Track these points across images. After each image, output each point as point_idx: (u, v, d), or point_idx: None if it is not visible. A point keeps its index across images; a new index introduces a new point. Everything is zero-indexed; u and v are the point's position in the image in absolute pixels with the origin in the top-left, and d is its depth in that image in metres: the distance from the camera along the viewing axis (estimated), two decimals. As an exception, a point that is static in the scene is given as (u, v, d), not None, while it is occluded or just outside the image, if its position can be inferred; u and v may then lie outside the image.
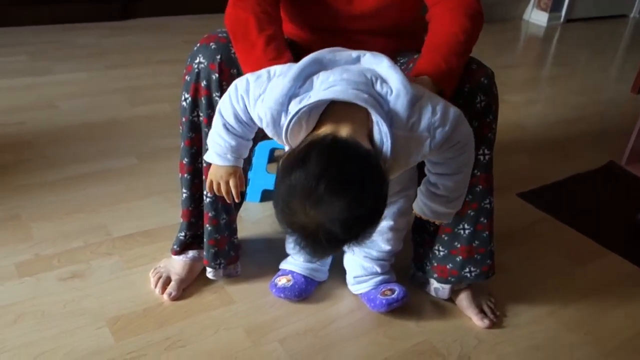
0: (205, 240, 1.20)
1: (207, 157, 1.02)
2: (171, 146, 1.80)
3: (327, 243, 0.79)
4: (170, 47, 2.70)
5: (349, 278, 1.27)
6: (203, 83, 1.08)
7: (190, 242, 1.25)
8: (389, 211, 1.18)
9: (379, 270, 1.24)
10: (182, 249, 1.25)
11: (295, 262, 1.27)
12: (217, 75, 1.07)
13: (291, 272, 1.26)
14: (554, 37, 3.75)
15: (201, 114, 1.11)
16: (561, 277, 1.42)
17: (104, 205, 1.51)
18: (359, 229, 0.80)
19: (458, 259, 1.21)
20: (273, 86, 0.88)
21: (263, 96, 0.89)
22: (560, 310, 1.30)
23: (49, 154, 1.71)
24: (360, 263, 1.24)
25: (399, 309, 1.22)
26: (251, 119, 0.94)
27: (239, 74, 1.09)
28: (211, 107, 1.09)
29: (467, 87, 1.07)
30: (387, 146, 0.84)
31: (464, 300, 1.25)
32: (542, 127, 2.29)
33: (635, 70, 2.79)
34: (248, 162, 1.21)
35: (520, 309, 1.29)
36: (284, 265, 1.29)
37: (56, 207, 1.48)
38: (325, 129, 0.84)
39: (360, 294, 1.25)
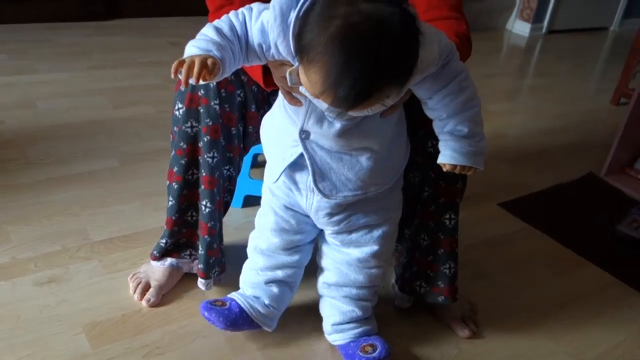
0: (202, 252, 1.18)
1: (186, 53, 0.84)
2: (154, 149, 1.78)
3: (388, 41, 0.71)
4: (155, 48, 2.68)
5: (326, 326, 1.16)
6: (200, 92, 1.07)
7: (170, 249, 1.23)
8: (374, 235, 1.08)
9: (360, 314, 1.13)
10: (161, 255, 1.23)
11: (241, 293, 1.15)
12: (214, 83, 1.06)
13: (231, 300, 1.13)
14: (535, 47, 3.80)
15: (196, 124, 1.09)
16: (541, 287, 1.44)
17: (84, 208, 1.48)
18: (415, 35, 0.75)
19: (414, 269, 1.21)
20: None
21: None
22: (540, 320, 1.31)
23: (29, 155, 1.68)
24: (339, 307, 1.13)
25: (379, 318, 1.22)
26: (245, 34, 0.87)
27: (237, 79, 1.09)
28: (210, 115, 1.08)
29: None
30: None
31: (444, 309, 1.26)
32: (524, 136, 2.31)
33: (615, 82, 2.84)
34: (237, 169, 1.20)
35: (501, 318, 1.30)
36: (231, 294, 1.16)
37: (35, 210, 1.45)
38: None
39: (339, 345, 1.14)
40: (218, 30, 0.86)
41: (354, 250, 1.09)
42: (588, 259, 1.56)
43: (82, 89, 2.17)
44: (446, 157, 0.95)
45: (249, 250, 1.17)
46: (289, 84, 0.85)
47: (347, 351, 1.11)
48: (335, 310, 1.14)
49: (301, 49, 0.77)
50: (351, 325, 1.13)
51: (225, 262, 1.26)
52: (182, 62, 0.79)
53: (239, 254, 1.38)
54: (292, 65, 0.85)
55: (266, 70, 1.00)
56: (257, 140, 1.22)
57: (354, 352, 1.10)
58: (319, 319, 1.20)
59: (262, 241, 1.13)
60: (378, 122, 0.94)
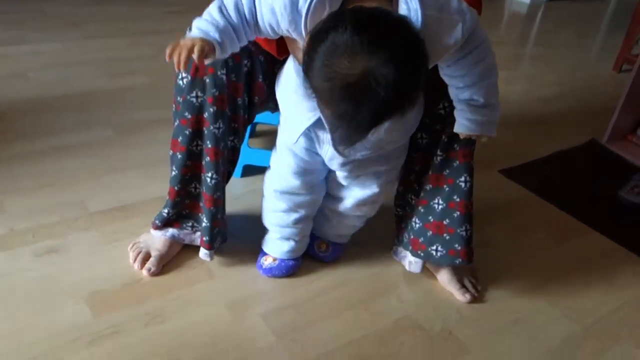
0: (207, 223, 1.17)
1: (188, 35, 0.90)
2: (149, 118, 1.75)
3: (379, 91, 0.74)
4: (150, 17, 2.63)
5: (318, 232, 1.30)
6: (207, 61, 1.05)
7: (172, 219, 1.22)
8: (379, 180, 1.16)
9: (346, 234, 1.29)
10: (163, 225, 1.22)
11: (276, 247, 1.24)
12: None
13: (268, 254, 1.26)
14: (537, 15, 3.75)
15: (202, 94, 1.07)
16: (543, 253, 1.43)
17: (80, 180, 1.47)
18: (412, 75, 0.77)
19: (429, 234, 1.20)
20: None
21: None
22: (541, 286, 1.31)
23: (21, 127, 1.66)
24: (329, 224, 1.26)
25: (381, 284, 1.22)
26: (252, 14, 0.89)
27: (244, 49, 1.05)
28: (217, 85, 1.05)
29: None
30: (417, 23, 0.81)
31: (445, 275, 1.25)
32: (525, 104, 2.29)
33: (617, 50, 2.80)
34: (241, 139, 1.18)
35: (502, 284, 1.30)
36: (264, 247, 1.27)
37: (30, 181, 1.43)
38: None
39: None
40: (221, 11, 0.89)
41: (356, 190, 1.18)
42: (590, 226, 1.55)
43: (75, 59, 2.13)
44: (462, 126, 1.01)
45: (267, 194, 1.21)
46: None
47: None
48: (323, 225, 1.27)
49: (310, 87, 0.81)
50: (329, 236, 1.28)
51: (226, 232, 1.25)
52: (175, 46, 0.85)
53: (240, 223, 1.38)
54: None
55: (279, 43, 1.00)
56: (261, 110, 1.20)
57: (311, 245, 1.28)
58: (317, 285, 1.20)
59: (281, 184, 1.17)
60: None
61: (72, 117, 1.74)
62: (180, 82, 1.08)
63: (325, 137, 1.06)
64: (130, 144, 1.64)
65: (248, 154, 1.53)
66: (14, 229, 1.27)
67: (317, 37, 0.78)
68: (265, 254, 1.26)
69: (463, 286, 1.24)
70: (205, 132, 1.10)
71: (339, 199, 1.22)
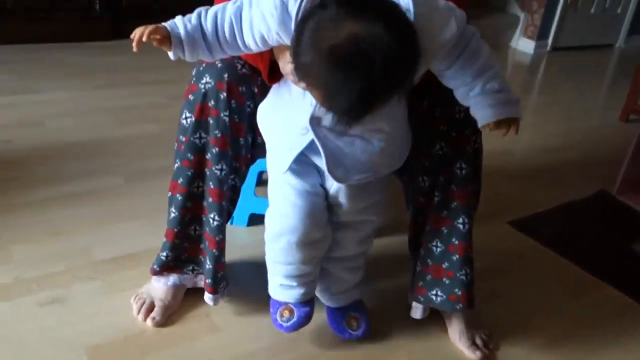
0: (210, 266, 1.16)
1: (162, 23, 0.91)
2: (158, 167, 1.76)
3: (369, 52, 0.70)
4: (158, 67, 2.68)
5: (323, 294, 1.20)
6: (211, 103, 1.06)
7: (172, 265, 1.21)
8: (377, 209, 1.11)
9: (357, 280, 1.19)
10: (161, 269, 1.20)
11: (287, 292, 1.14)
12: (225, 94, 1.05)
13: (286, 303, 1.14)
14: (540, 65, 3.80)
15: (205, 135, 1.08)
16: (555, 308, 1.40)
17: (88, 227, 1.47)
18: (404, 38, 0.73)
19: (428, 278, 1.18)
20: None
21: None
22: (555, 344, 1.27)
23: (34, 174, 1.67)
24: (337, 278, 1.17)
25: (391, 340, 1.20)
26: (232, 28, 0.88)
27: (248, 90, 1.07)
28: (219, 127, 1.06)
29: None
30: (410, 13, 0.79)
31: (456, 331, 1.22)
32: (531, 154, 2.29)
33: (622, 99, 2.82)
34: (242, 179, 1.16)
35: (513, 342, 1.26)
36: (275, 295, 1.15)
37: (39, 228, 1.43)
38: None
39: (329, 307, 1.20)
40: (199, 17, 0.90)
41: (357, 225, 1.11)
42: (603, 280, 1.52)
43: (88, 107, 2.17)
44: (487, 116, 0.92)
45: (276, 241, 1.08)
46: (295, 81, 0.86)
47: (334, 317, 1.18)
48: (331, 280, 1.17)
49: (298, 68, 0.78)
50: (347, 292, 1.19)
51: (228, 276, 1.23)
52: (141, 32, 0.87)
53: (245, 271, 1.36)
54: None
55: (270, 67, 0.99)
56: (264, 151, 1.19)
57: (340, 322, 1.18)
58: (323, 341, 1.18)
59: (293, 232, 1.05)
60: (390, 105, 0.91)
61: (84, 164, 1.75)
62: (184, 121, 1.09)
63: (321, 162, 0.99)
64: (139, 192, 1.64)
65: (254, 202, 1.53)
66: (19, 277, 1.27)
67: (303, 19, 0.77)
68: (278, 303, 1.15)
69: (474, 343, 1.21)
70: (208, 173, 1.10)
71: (340, 244, 1.14)
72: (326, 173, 1.00)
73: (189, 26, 0.89)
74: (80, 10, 2.84)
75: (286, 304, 1.13)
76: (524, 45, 4.02)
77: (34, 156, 1.76)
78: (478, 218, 1.16)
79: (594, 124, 2.78)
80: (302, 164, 1.02)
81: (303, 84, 0.89)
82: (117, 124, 2.06)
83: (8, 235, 1.39)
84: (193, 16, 0.90)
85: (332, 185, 1.04)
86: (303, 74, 0.78)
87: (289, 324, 1.12)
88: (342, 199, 1.06)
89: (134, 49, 0.87)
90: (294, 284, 1.11)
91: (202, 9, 0.91)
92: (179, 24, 0.89)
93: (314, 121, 0.93)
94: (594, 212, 1.89)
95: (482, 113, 0.92)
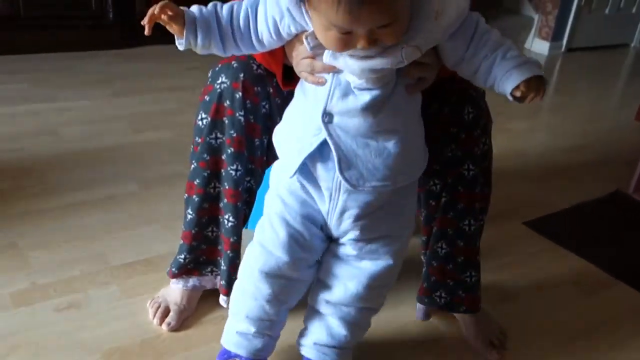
0: (224, 267, 1.16)
1: None
2: (173, 173, 1.78)
3: None
4: (173, 74, 2.71)
5: (306, 340, 1.06)
6: (226, 103, 1.06)
7: (190, 267, 1.21)
8: (392, 248, 1.01)
9: (350, 339, 1.04)
10: (180, 272, 1.21)
11: (246, 344, 1.04)
12: (240, 93, 1.05)
13: (237, 356, 1.05)
14: (555, 66, 3.77)
15: (221, 135, 1.08)
16: (571, 308, 1.38)
17: (103, 233, 1.48)
18: None
19: (432, 279, 1.18)
20: None
21: None
22: (571, 344, 1.26)
23: (49, 181, 1.69)
24: (331, 328, 1.03)
25: (405, 335, 1.19)
26: (247, 19, 0.88)
27: (263, 91, 1.07)
28: (235, 127, 1.06)
29: (454, 99, 1.06)
30: None
31: (471, 330, 1.22)
32: (546, 154, 2.27)
33: (638, 99, 2.78)
34: (258, 181, 1.14)
35: (530, 341, 1.25)
36: (227, 344, 1.06)
37: (55, 235, 1.45)
38: None
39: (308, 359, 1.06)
40: (215, 6, 0.89)
41: (367, 264, 1.00)
42: (619, 278, 1.50)
43: (103, 115, 2.19)
44: (515, 77, 0.84)
45: (246, 274, 1.03)
46: (308, 50, 0.85)
47: None
48: (325, 329, 1.03)
49: None
50: (335, 350, 1.03)
51: None
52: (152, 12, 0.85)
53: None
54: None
55: (285, 73, 0.99)
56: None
57: None
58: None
59: (266, 262, 0.99)
60: (405, 100, 0.90)
61: (99, 171, 1.77)
62: (200, 122, 1.09)
63: (334, 177, 0.92)
64: (153, 198, 1.66)
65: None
66: (37, 283, 1.28)
67: None
68: (227, 353, 1.05)
69: (490, 343, 1.20)
70: (223, 173, 1.10)
71: (342, 285, 1.02)
72: (326, 192, 0.94)
73: (204, 10, 0.88)
74: (93, 18, 2.87)
75: (237, 356, 1.05)
76: (538, 46, 3.99)
77: (48, 164, 1.79)
78: (493, 218, 1.16)
79: (610, 124, 2.75)
80: (302, 190, 0.97)
81: (314, 78, 0.89)
82: (132, 131, 2.09)
83: (25, 242, 1.41)
84: (209, 5, 0.89)
85: (337, 207, 0.95)
86: None
87: None
88: (347, 222, 0.97)
89: (146, 32, 0.85)
90: (252, 330, 1.03)
91: (217, 2, 0.90)
92: (193, 7, 0.88)
93: (327, 117, 0.89)
94: (609, 211, 1.87)
95: (509, 78, 0.85)
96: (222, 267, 1.17)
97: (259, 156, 1.11)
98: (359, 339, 1.08)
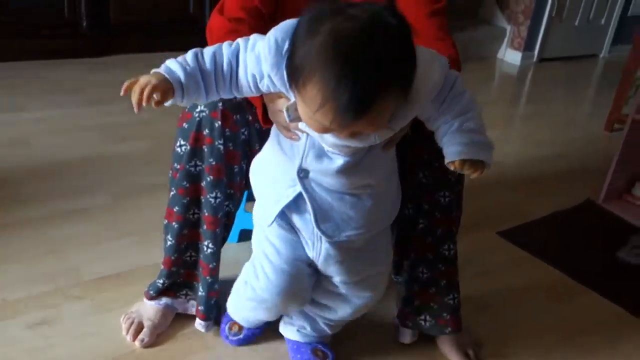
0: (203, 293, 1.16)
1: (156, 69, 0.85)
2: (147, 184, 1.76)
3: (380, 33, 0.71)
4: (148, 83, 2.69)
5: (287, 325, 1.19)
6: (205, 131, 1.05)
7: (166, 288, 1.20)
8: (376, 283, 1.09)
9: (329, 333, 1.17)
10: (157, 295, 1.20)
11: (246, 316, 1.17)
12: (219, 122, 1.04)
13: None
14: (527, 75, 3.84)
15: (200, 163, 1.08)
16: (544, 317, 1.41)
17: (76, 246, 1.46)
18: (405, 27, 0.74)
19: (416, 303, 1.19)
20: (282, 22, 0.82)
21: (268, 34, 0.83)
22: (546, 353, 1.28)
23: (21, 193, 1.66)
24: (314, 323, 1.15)
25: (382, 352, 1.19)
26: (231, 66, 0.86)
27: (242, 118, 1.07)
28: (214, 155, 1.06)
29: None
30: None
31: (446, 344, 1.22)
32: (519, 164, 2.31)
33: (607, 109, 2.85)
34: (237, 205, 1.16)
35: (504, 352, 1.27)
36: (235, 314, 1.19)
37: (26, 248, 1.42)
38: None
39: (288, 339, 1.19)
40: (196, 57, 0.86)
41: (355, 299, 1.08)
42: (590, 287, 1.53)
43: (75, 125, 2.16)
44: (453, 153, 0.88)
45: (242, 301, 1.12)
46: (287, 120, 0.84)
47: (298, 349, 1.16)
48: (308, 322, 1.15)
49: (294, 70, 0.76)
50: (315, 337, 1.17)
51: (222, 302, 1.23)
52: (132, 83, 0.81)
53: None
54: (288, 98, 0.84)
55: (265, 108, 0.98)
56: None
57: (306, 352, 1.15)
58: (318, 356, 1.17)
59: (260, 303, 1.07)
60: (378, 158, 0.93)
61: (72, 183, 1.74)
62: (179, 149, 1.09)
63: (312, 229, 0.97)
64: (128, 210, 1.64)
65: (245, 218, 1.53)
66: (7, 299, 1.25)
67: (298, 22, 0.78)
68: (230, 319, 1.20)
69: (466, 355, 1.21)
70: (203, 201, 1.10)
71: (329, 308, 1.12)
72: (309, 240, 0.99)
73: (188, 68, 0.84)
74: (68, 26, 2.83)
75: (315, 346, 1.16)
76: (510, 56, 4.06)
77: (20, 176, 1.75)
78: (467, 228, 1.17)
79: (580, 133, 2.80)
80: (287, 230, 1.00)
81: (289, 133, 0.90)
82: (105, 141, 2.06)
83: (-5, 256, 1.38)
84: (189, 57, 0.86)
85: (321, 254, 1.00)
86: (299, 73, 0.75)
87: (235, 338, 1.19)
88: (333, 269, 1.03)
89: (135, 111, 0.81)
90: (255, 312, 1.13)
91: (197, 50, 0.87)
92: (175, 67, 0.84)
93: (302, 173, 0.92)
94: (580, 221, 1.91)
95: (450, 149, 0.89)
96: (199, 293, 1.17)
97: (238, 182, 1.12)
98: (339, 327, 1.19)
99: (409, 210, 1.12)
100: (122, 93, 0.82)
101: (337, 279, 1.05)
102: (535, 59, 4.09)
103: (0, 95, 2.34)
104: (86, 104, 2.36)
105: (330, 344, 1.19)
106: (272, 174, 0.98)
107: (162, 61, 0.85)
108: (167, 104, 0.85)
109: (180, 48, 3.63)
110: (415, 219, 1.13)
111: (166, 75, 0.83)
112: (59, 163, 1.86)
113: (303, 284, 1.04)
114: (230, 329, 1.19)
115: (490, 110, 3.00)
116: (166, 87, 0.82)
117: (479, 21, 4.16)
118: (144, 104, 0.80)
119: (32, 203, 1.62)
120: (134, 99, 0.80)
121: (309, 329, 1.16)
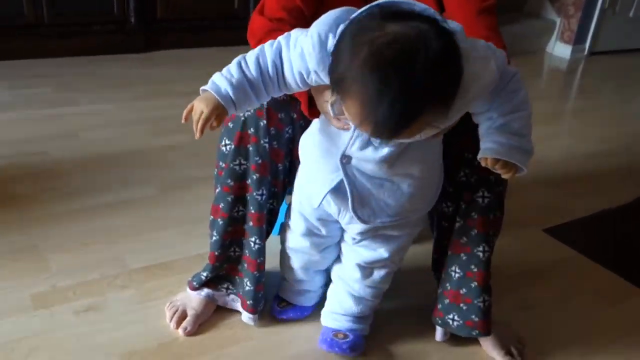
0: (251, 287, 1.17)
1: (208, 84, 0.90)
2: (192, 177, 1.79)
3: (418, 56, 0.70)
4: (193, 78, 2.70)
5: (325, 309, 1.22)
6: (250, 130, 1.06)
7: (208, 281, 1.22)
8: (390, 244, 1.10)
9: (355, 310, 1.16)
10: (200, 286, 1.22)
11: (293, 296, 1.26)
12: (265, 121, 1.05)
13: (338, 330, 1.19)
14: (577, 69, 3.72)
15: (245, 162, 1.09)
16: (592, 318, 1.36)
17: (122, 237, 1.49)
18: (450, 48, 0.73)
19: (446, 302, 1.17)
20: (324, 15, 0.83)
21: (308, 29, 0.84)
22: (592, 355, 1.24)
23: (70, 184, 1.72)
24: (340, 298, 1.18)
25: (422, 351, 1.18)
26: (276, 67, 0.88)
27: (287, 117, 1.08)
28: (259, 153, 1.07)
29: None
30: None
31: (489, 341, 1.20)
32: (567, 160, 2.23)
33: (663, 104, 2.73)
34: (280, 202, 1.18)
35: (550, 352, 1.23)
36: (283, 294, 1.27)
37: (75, 238, 1.47)
38: None
39: (324, 326, 1.21)
40: (240, 67, 0.89)
41: (363, 251, 1.11)
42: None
43: (123, 119, 2.21)
44: (488, 150, 0.88)
45: (282, 248, 1.22)
46: (332, 115, 0.86)
47: (323, 333, 1.18)
48: (335, 299, 1.19)
49: (335, 81, 0.78)
50: (345, 317, 1.17)
51: (266, 295, 1.25)
52: (189, 111, 0.89)
53: (277, 279, 1.36)
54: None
55: (311, 100, 0.99)
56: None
57: (327, 334, 1.17)
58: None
59: (292, 242, 1.17)
60: (423, 148, 0.92)
61: (118, 175, 1.79)
62: (224, 148, 1.10)
63: (347, 205, 0.99)
64: (172, 202, 1.67)
65: (285, 211, 1.53)
66: (56, 285, 1.30)
67: (342, 32, 0.78)
68: (280, 298, 1.27)
69: (509, 353, 1.18)
70: (249, 198, 1.11)
71: (339, 260, 1.18)
72: (346, 221, 1.04)
73: (234, 81, 0.87)
74: (115, 23, 2.91)
75: (339, 330, 1.17)
76: (560, 50, 3.94)
77: (69, 168, 1.81)
78: (513, 226, 1.14)
79: (632, 129, 2.70)
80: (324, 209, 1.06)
81: (339, 123, 0.91)
82: (152, 135, 2.10)
83: (44, 245, 1.43)
84: (233, 68, 0.89)
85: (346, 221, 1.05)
86: (341, 86, 0.76)
87: (283, 310, 1.25)
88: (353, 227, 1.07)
89: (196, 137, 0.88)
90: (299, 290, 1.23)
91: (240, 58, 0.90)
92: (221, 83, 0.87)
93: (345, 159, 0.94)
94: (631, 219, 1.84)
95: (486, 145, 0.89)
96: (247, 288, 1.18)
97: (281, 180, 1.13)
98: (369, 311, 1.19)
99: (448, 207, 1.11)
100: (182, 121, 0.91)
101: (350, 233, 1.09)
102: (586, 52, 3.95)
103: (51, 91, 2.42)
104: (134, 99, 2.42)
105: (365, 338, 1.19)
106: (318, 155, 1.00)
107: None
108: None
109: (225, 43, 3.71)
110: (453, 217, 1.11)
111: (215, 96, 0.87)
112: (107, 156, 1.91)
113: (331, 232, 1.12)
114: (280, 304, 1.25)
115: (537, 105, 2.90)
116: (219, 112, 0.87)
117: (524, 14, 4.05)
118: (200, 134, 0.88)
119: (80, 194, 1.67)
120: (194, 129, 0.88)
121: (336, 306, 1.18)
